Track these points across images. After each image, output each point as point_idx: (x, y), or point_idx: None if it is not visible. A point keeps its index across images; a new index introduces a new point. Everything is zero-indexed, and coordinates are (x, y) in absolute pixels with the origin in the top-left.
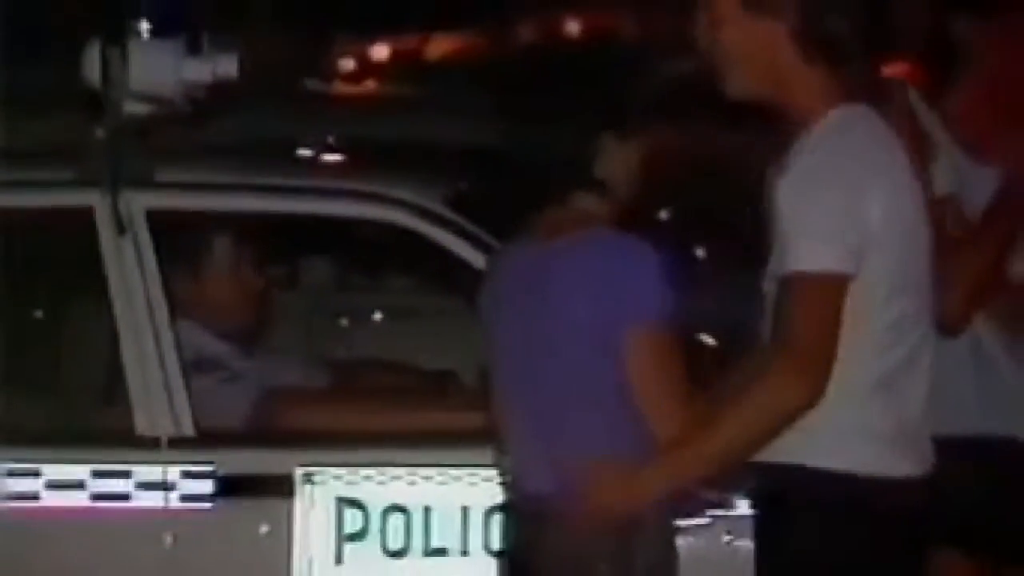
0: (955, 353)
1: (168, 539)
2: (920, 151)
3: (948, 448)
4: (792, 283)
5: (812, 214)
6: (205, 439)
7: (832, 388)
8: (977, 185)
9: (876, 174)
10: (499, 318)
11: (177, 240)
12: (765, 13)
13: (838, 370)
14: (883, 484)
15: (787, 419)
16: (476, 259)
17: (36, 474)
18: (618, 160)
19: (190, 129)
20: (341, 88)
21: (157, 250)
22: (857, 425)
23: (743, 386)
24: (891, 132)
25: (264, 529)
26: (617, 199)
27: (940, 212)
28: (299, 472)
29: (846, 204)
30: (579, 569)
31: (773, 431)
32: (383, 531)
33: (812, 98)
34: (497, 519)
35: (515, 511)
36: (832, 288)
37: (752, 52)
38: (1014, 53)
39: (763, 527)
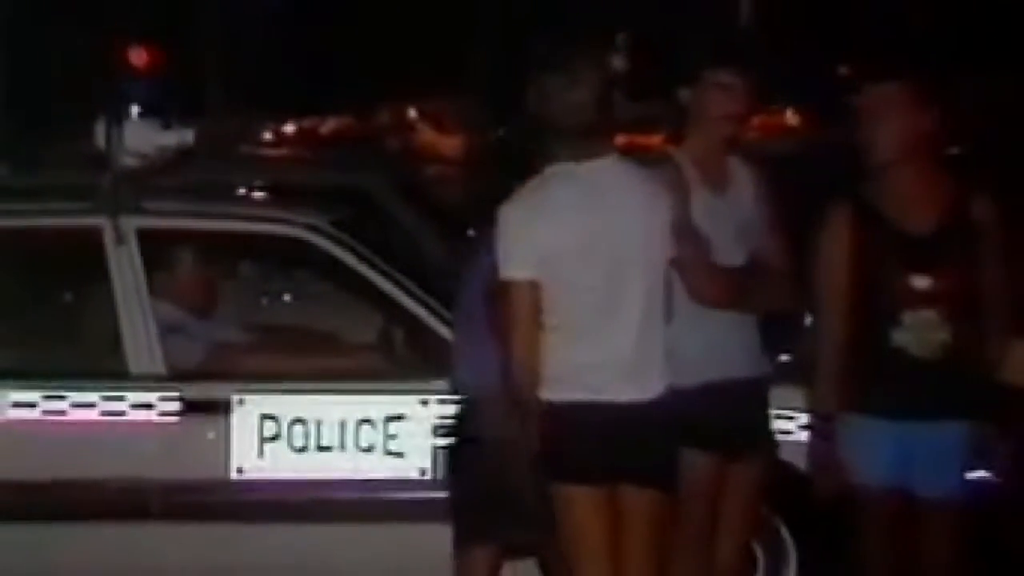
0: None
1: (150, 441)
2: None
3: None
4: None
5: (501, 237)
6: (174, 375)
7: (554, 349)
8: (716, 213)
9: (551, 209)
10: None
11: (157, 248)
12: None
13: (554, 339)
14: (587, 406)
15: (519, 374)
16: (352, 262)
17: (63, 398)
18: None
19: (164, 176)
20: (264, 151)
21: (143, 254)
22: (570, 373)
23: None
24: (589, 183)
25: (211, 435)
26: None
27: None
28: (234, 397)
29: (524, 228)
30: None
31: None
32: (290, 435)
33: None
34: (363, 428)
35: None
36: (515, 289)
37: None
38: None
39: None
